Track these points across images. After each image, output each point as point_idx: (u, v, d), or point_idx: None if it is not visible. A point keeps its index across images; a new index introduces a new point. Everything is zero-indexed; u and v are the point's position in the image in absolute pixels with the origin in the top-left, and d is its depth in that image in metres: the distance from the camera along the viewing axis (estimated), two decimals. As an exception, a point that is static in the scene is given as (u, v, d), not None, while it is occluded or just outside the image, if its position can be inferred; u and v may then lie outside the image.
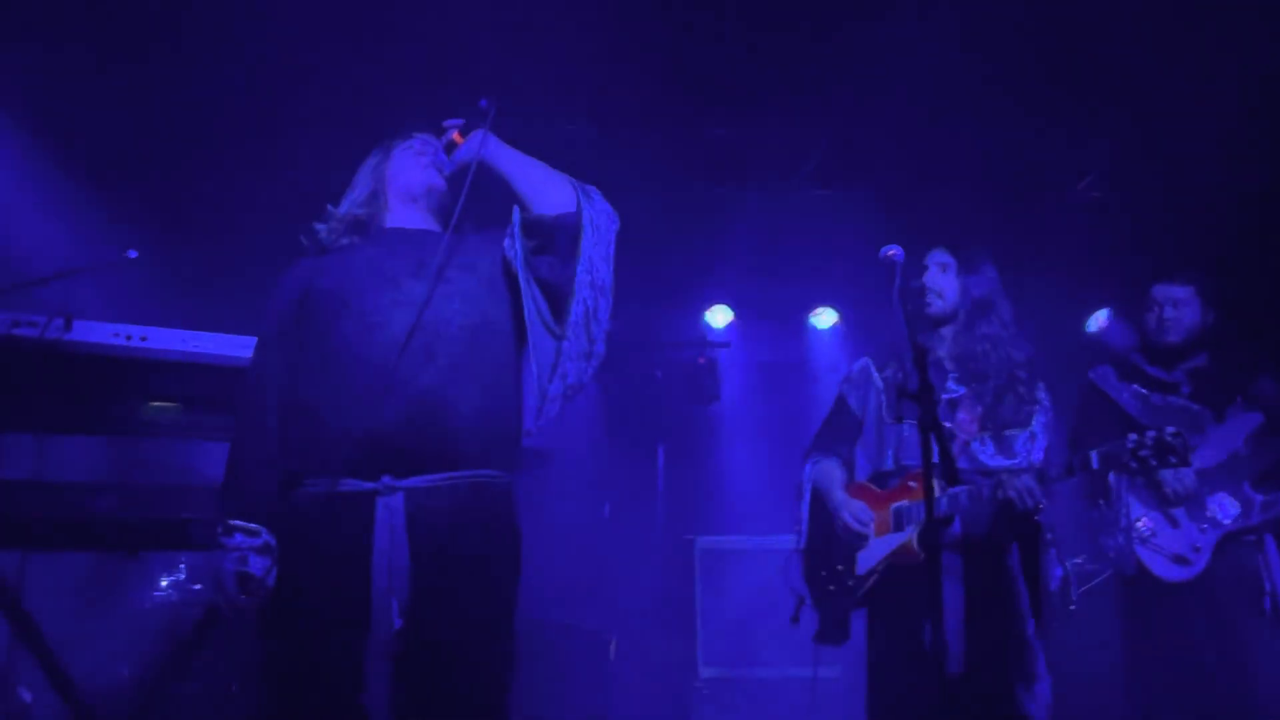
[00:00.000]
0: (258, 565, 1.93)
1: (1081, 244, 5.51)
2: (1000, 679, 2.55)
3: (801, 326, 6.67)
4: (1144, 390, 3.41)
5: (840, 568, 2.85)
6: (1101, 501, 3.30)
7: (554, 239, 2.07)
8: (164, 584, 4.15)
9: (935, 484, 2.51)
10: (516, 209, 2.12)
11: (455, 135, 2.17)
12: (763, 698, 4.77)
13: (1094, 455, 2.57)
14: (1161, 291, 3.41)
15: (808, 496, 2.94)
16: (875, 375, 2.96)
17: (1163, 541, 3.22)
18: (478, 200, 2.16)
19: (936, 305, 2.87)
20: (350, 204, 2.25)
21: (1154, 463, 2.49)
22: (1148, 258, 5.01)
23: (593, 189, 2.15)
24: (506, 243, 2.12)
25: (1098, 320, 6.12)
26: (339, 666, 1.86)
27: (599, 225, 2.09)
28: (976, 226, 5.25)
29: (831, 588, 2.86)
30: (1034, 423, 2.78)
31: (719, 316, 6.50)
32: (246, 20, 3.81)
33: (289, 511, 1.97)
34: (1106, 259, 5.56)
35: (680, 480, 6.25)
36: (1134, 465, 2.51)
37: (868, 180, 5.14)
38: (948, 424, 2.74)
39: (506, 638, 1.99)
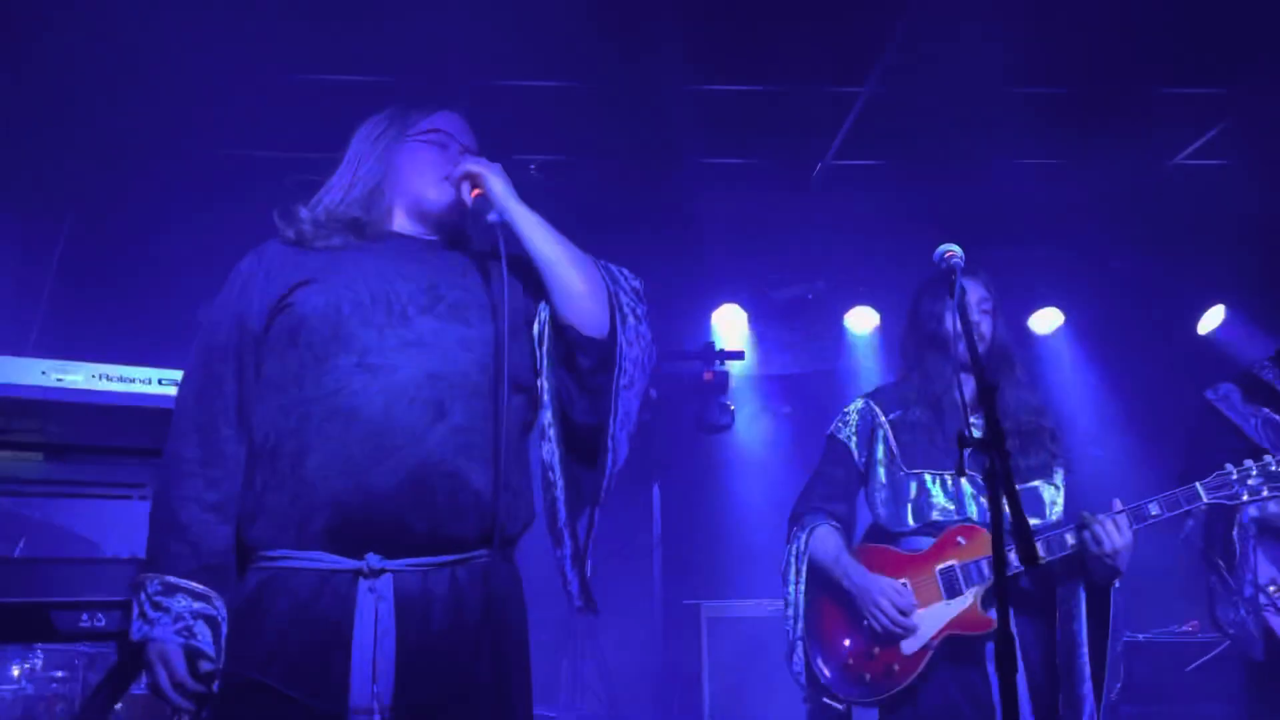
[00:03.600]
0: (207, 639, 1.92)
1: (1194, 221, 5.52)
2: None
3: (834, 330, 6.71)
4: (1278, 416, 3.39)
5: (876, 650, 2.91)
6: (1220, 563, 3.28)
7: (575, 360, 2.16)
8: (15, 674, 4.13)
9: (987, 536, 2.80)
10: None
11: (473, 191, 2.19)
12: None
13: (1200, 487, 2.72)
14: None
15: (804, 575, 3.03)
16: (880, 417, 3.11)
17: (1303, 611, 3.21)
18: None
19: (980, 347, 2.99)
20: (345, 201, 2.23)
21: (1265, 493, 2.65)
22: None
23: (627, 301, 2.22)
24: (538, 322, 2.20)
25: (1212, 320, 6.11)
26: None
27: (633, 360, 2.18)
28: (1053, 196, 5.31)
29: (866, 677, 2.91)
30: (1055, 475, 3.02)
31: (729, 320, 6.53)
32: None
33: (245, 586, 1.97)
34: (1224, 242, 5.57)
35: (681, 527, 6.25)
36: (1244, 497, 2.66)
37: (909, 152, 5.19)
38: (973, 473, 2.86)
39: None
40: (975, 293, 3.09)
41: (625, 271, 2.30)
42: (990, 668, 2.78)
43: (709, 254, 5.98)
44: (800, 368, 6.98)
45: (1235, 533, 3.24)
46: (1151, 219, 5.54)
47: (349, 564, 1.93)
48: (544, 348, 2.18)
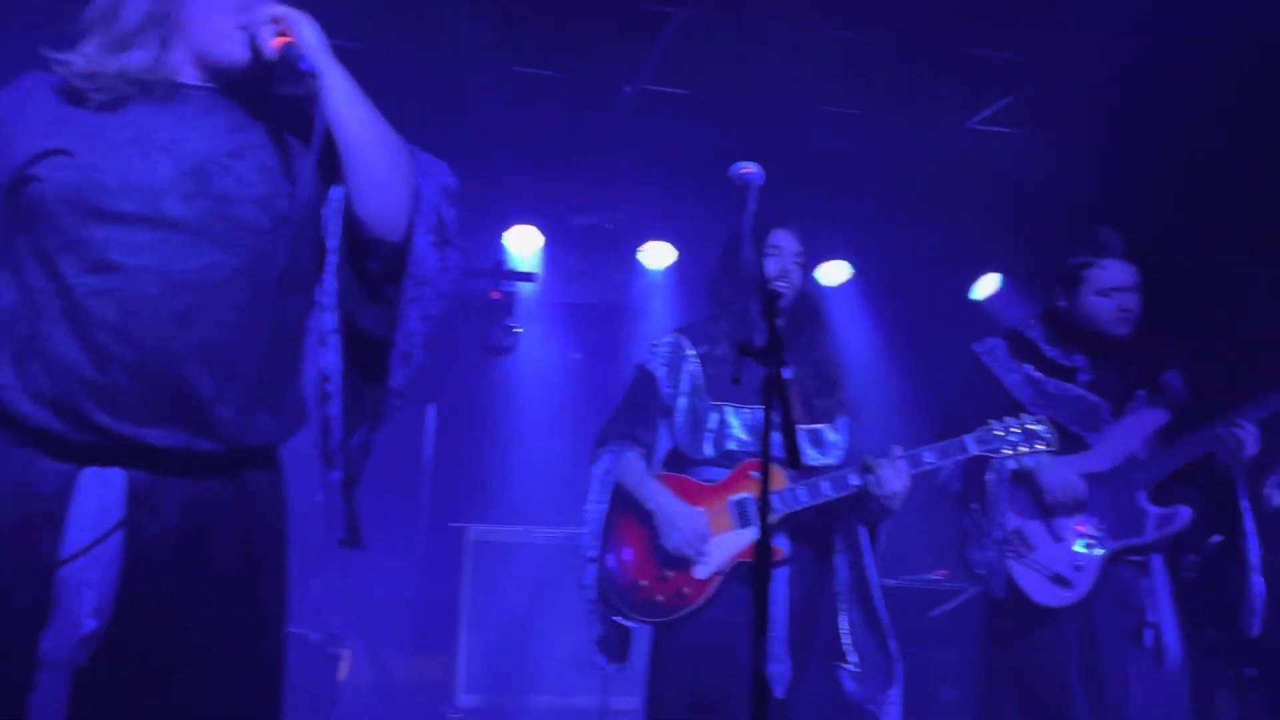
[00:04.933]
0: None
1: (980, 187, 5.75)
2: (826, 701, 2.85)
3: (629, 263, 6.74)
4: (1038, 374, 3.56)
5: (669, 574, 3.07)
6: (975, 506, 3.43)
7: (364, 263, 2.00)
8: None
9: (782, 473, 3.02)
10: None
11: (278, 40, 1.93)
12: (538, 736, 4.82)
13: (968, 440, 3.06)
14: (1120, 272, 3.48)
15: (607, 495, 3.18)
16: (688, 351, 3.27)
17: (1041, 557, 3.38)
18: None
19: (788, 297, 3.20)
20: (123, 59, 1.95)
21: (1024, 448, 3.00)
22: (1061, 216, 5.28)
23: (434, 199, 2.04)
24: (328, 208, 2.00)
25: (987, 286, 6.41)
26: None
27: (432, 270, 2.02)
28: (855, 147, 5.44)
29: (659, 599, 3.07)
30: (838, 420, 3.27)
31: (522, 240, 6.47)
32: None
33: None
34: (1007, 211, 5.83)
35: (455, 449, 6.19)
36: (1004, 451, 3.01)
37: (718, 85, 5.15)
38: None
39: (263, 674, 1.98)
40: (790, 244, 3.28)
41: (441, 165, 2.13)
42: (774, 589, 3.00)
43: (505, 168, 5.75)
44: (591, 297, 6.99)
45: (990, 476, 3.40)
46: (941, 180, 5.70)
47: (69, 465, 1.84)
48: (332, 241, 2.00)
